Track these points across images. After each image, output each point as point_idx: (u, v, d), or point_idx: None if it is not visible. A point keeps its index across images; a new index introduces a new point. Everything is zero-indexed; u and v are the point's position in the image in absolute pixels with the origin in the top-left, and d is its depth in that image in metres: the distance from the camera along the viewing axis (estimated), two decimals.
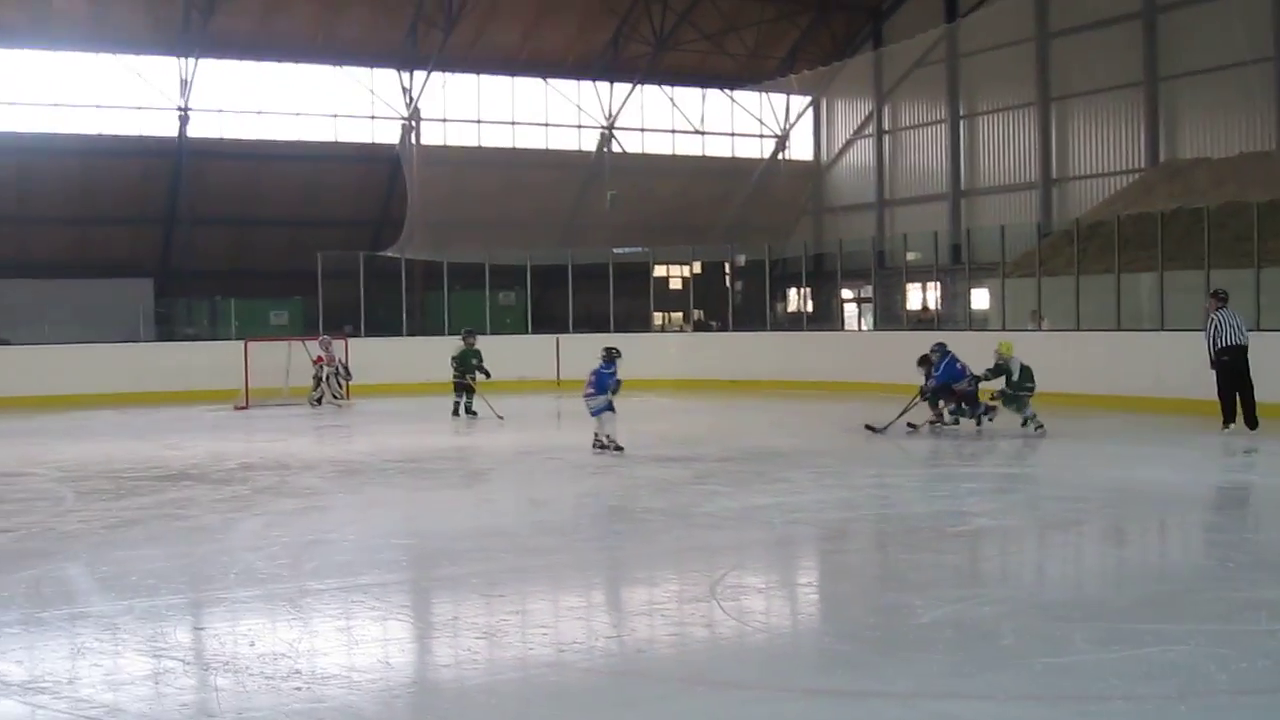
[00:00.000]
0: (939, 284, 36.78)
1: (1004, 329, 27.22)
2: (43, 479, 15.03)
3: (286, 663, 7.20)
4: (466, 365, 22.73)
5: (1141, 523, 12.30)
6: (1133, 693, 6.53)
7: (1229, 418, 17.47)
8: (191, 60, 39.46)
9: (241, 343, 26.33)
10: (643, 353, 29.17)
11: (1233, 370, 17.40)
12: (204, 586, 9.38)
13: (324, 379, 25.33)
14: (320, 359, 25.56)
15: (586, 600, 9.25)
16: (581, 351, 29.44)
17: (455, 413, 22.62)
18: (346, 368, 25.96)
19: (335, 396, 25.38)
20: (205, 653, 7.58)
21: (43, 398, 25.31)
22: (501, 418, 21.62)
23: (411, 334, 31.59)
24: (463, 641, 7.86)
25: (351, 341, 27.44)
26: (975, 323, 31.61)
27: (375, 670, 7.21)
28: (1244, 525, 11.86)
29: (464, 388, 22.67)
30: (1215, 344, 17.42)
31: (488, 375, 22.67)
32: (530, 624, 8.20)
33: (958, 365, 18.70)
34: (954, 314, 35.04)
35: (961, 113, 44.83)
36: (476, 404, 22.47)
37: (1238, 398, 17.44)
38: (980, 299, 34.27)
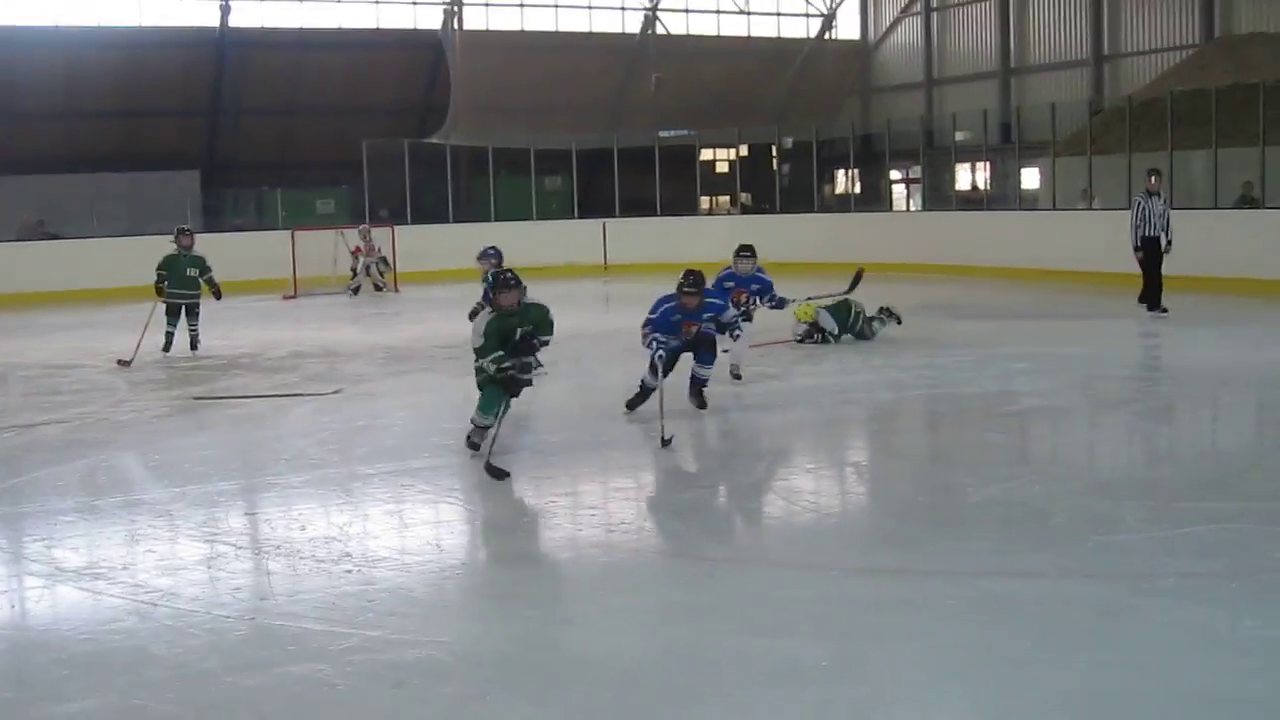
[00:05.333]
0: (988, 164, 36.32)
1: (1054, 208, 26.94)
2: (96, 370, 15.13)
3: (338, 546, 7.25)
4: (177, 276, 16.51)
5: (1194, 402, 12.20)
6: (1184, 570, 6.49)
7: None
8: None
9: (288, 232, 26.39)
10: (691, 236, 29.05)
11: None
12: (255, 473, 9.46)
13: (363, 269, 25.45)
14: (359, 249, 25.64)
15: (635, 482, 9.26)
16: (628, 235, 29.47)
17: (167, 348, 16.24)
18: (384, 258, 25.97)
19: (377, 287, 25.46)
20: (257, 537, 7.65)
21: (93, 291, 25.41)
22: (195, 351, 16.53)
23: (458, 220, 31.51)
24: (514, 523, 7.90)
25: (398, 229, 27.41)
26: (1025, 202, 31.27)
27: (426, 552, 7.26)
28: None
29: (180, 309, 16.50)
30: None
31: (217, 294, 17.22)
32: (580, 505, 8.23)
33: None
34: (1004, 194, 34.61)
35: None
36: (190, 330, 16.63)
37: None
38: (1030, 178, 33.84)
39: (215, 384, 13.74)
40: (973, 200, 34.01)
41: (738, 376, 12.65)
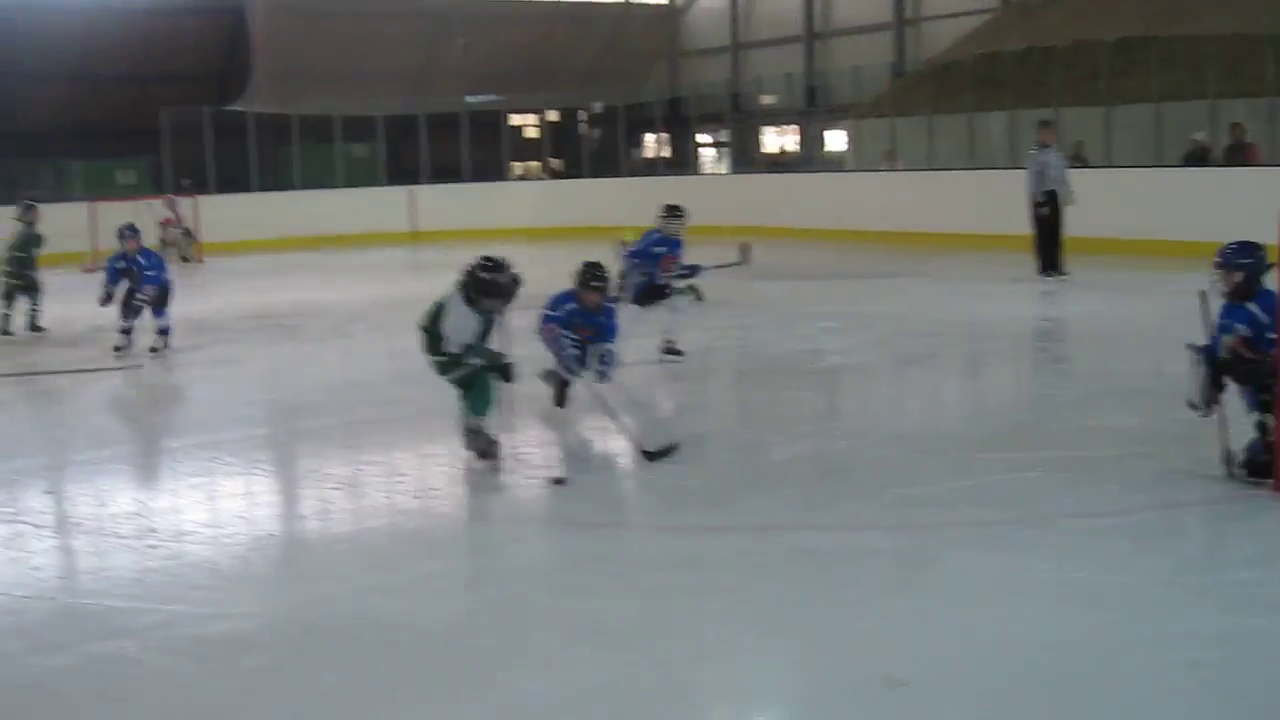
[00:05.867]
0: (795, 127, 36.81)
1: (859, 169, 27.47)
2: None
3: (141, 522, 7.12)
4: (28, 259, 15.53)
5: (995, 357, 12.56)
6: (978, 518, 6.71)
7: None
8: None
9: (87, 204, 25.68)
10: (500, 202, 28.98)
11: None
12: (56, 450, 9.23)
13: (172, 240, 24.88)
14: (169, 220, 25.09)
15: (447, 448, 9.20)
16: (437, 202, 29.25)
17: (6, 330, 15.20)
18: (188, 229, 25.47)
19: (184, 258, 24.93)
20: (58, 516, 7.48)
21: None
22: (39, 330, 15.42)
23: (262, 189, 30.98)
24: (323, 493, 7.83)
25: (201, 199, 26.85)
26: (830, 164, 31.79)
27: (233, 525, 7.17)
28: (1095, 356, 12.10)
29: (27, 288, 15.48)
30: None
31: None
32: (391, 473, 8.20)
33: None
34: (810, 156, 35.14)
35: None
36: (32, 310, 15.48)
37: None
38: (836, 141, 34.40)
39: (13, 360, 13.33)
40: (780, 163, 34.50)
41: (678, 352, 11.68)
